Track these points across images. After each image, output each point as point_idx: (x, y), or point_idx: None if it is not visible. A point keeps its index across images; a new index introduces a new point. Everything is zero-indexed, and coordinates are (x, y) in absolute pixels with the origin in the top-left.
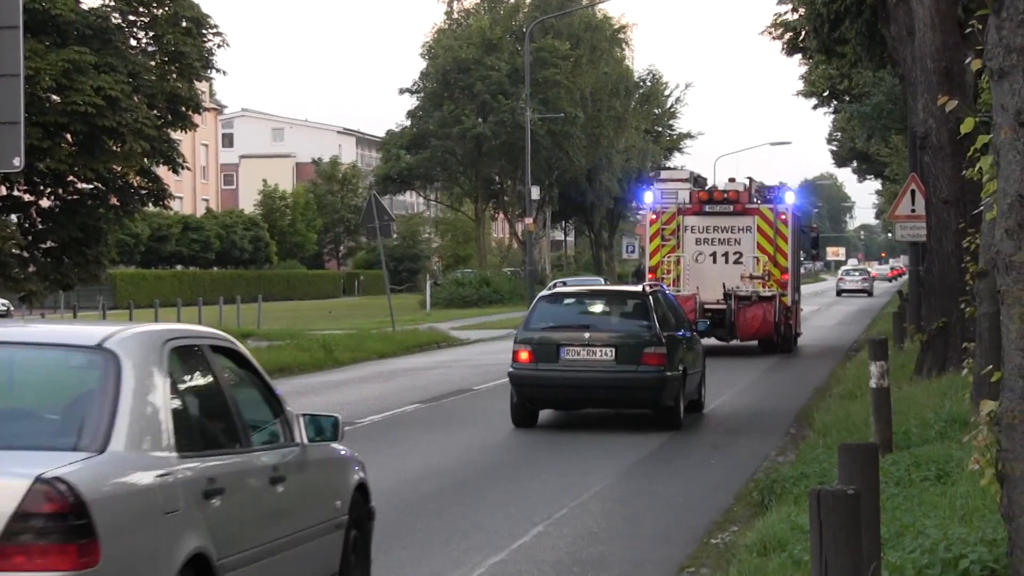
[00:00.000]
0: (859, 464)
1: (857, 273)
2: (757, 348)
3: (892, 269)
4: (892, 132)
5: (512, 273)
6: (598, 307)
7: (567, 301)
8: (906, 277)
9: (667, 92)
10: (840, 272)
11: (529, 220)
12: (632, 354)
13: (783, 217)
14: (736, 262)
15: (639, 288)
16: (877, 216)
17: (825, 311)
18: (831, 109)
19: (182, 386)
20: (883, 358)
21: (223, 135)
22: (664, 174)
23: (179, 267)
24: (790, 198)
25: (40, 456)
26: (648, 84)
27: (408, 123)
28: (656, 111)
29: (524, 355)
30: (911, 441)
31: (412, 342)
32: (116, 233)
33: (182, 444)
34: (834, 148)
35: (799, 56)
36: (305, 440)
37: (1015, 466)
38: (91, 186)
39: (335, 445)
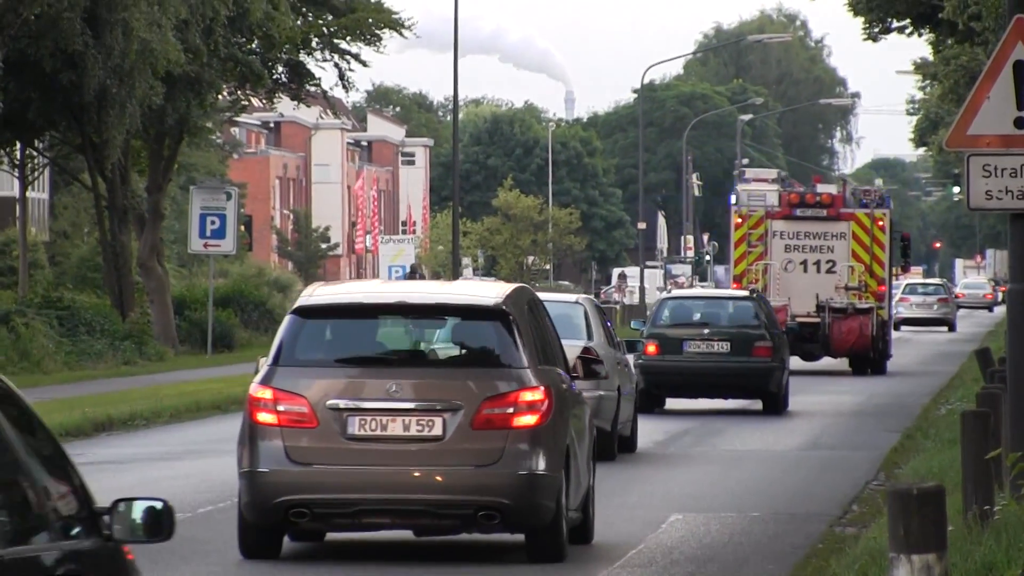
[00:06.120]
0: None
1: (931, 290)
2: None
3: (996, 284)
4: None
5: None
6: (713, 307)
7: (686, 302)
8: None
9: None
10: (900, 289)
11: None
12: (744, 346)
13: (880, 223)
14: (829, 271)
15: (747, 292)
16: (921, 140)
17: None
18: None
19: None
20: (934, 547)
21: None
22: (749, 174)
23: None
24: (886, 203)
25: (578, 341)
26: None
27: None
28: None
29: (652, 348)
30: None
31: None
32: None
33: (610, 344)
34: None
35: None
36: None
37: None
38: None
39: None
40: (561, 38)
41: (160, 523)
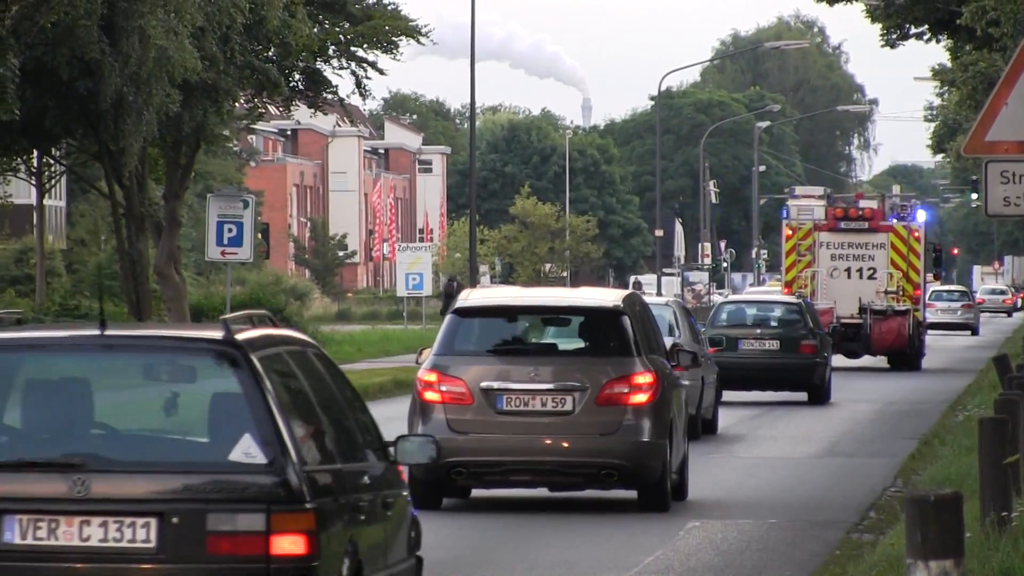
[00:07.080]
0: None
1: (956, 296)
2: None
3: (1016, 290)
4: None
5: None
6: (765, 311)
7: (741, 306)
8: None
9: None
10: (928, 295)
11: None
12: (792, 345)
13: (916, 235)
14: (870, 277)
15: (794, 297)
16: (939, 146)
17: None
18: None
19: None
20: (952, 553)
21: None
22: (799, 191)
23: None
24: (922, 216)
25: (668, 338)
26: None
27: None
28: None
29: (711, 346)
30: None
31: None
32: None
33: (695, 340)
34: None
35: None
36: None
37: None
38: None
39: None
40: (578, 45)
41: (427, 452)
